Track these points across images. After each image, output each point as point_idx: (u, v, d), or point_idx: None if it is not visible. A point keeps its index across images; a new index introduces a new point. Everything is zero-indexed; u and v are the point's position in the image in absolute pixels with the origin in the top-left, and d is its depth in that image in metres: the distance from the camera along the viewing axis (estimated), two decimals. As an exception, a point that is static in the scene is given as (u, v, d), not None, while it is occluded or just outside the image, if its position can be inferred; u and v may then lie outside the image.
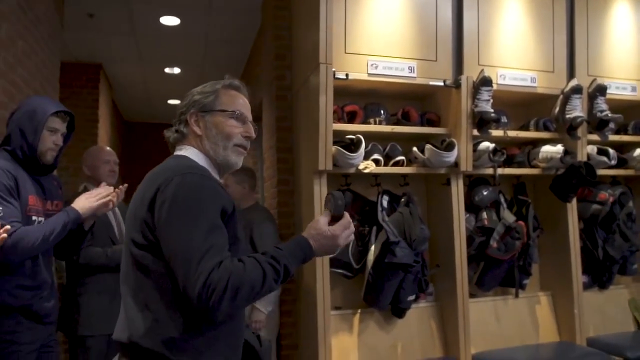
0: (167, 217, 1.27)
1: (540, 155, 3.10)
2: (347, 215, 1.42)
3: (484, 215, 3.05)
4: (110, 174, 2.81)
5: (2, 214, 1.85)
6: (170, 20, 4.58)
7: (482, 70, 2.94)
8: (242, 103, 1.53)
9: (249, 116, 1.55)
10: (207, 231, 1.24)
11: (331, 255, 2.69)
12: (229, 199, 1.36)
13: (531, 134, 3.18)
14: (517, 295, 3.16)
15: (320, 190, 2.74)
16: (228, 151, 1.48)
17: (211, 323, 1.30)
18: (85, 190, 2.74)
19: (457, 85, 2.92)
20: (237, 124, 1.50)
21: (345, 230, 1.41)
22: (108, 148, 2.98)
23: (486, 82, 2.90)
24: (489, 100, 2.92)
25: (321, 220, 1.40)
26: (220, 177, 1.52)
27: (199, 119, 1.49)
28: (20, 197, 1.95)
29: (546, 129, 3.20)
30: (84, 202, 2.10)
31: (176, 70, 6.00)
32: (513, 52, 3.12)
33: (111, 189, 2.21)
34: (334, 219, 1.41)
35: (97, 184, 2.73)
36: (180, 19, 4.56)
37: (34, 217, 2.00)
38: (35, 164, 2.06)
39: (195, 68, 5.86)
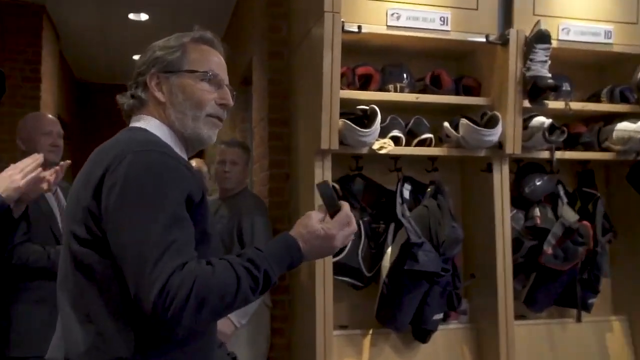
0: (116, 205, 1.28)
1: (615, 135, 3.13)
2: (346, 207, 1.45)
3: (537, 212, 3.09)
4: (53, 149, 2.84)
5: None
6: (134, -50, 4.66)
7: (537, 22, 2.97)
8: (216, 61, 1.55)
9: (225, 78, 1.57)
10: (167, 224, 1.25)
11: (334, 259, 2.81)
12: (198, 183, 1.38)
13: (603, 107, 3.22)
14: (579, 319, 3.22)
15: (322, 175, 2.81)
16: (199, 123, 1.50)
17: (170, 341, 1.31)
18: None
19: (503, 41, 2.96)
20: (210, 88, 1.51)
21: (344, 228, 1.43)
22: (50, 116, 3.04)
23: (543, 37, 2.93)
24: (545, 61, 2.95)
25: (313, 215, 1.43)
26: (189, 155, 1.55)
27: (161, 82, 1.50)
28: None
29: (624, 100, 3.22)
30: (7, 182, 2.11)
31: (143, 17, 6.06)
32: (581, -3, 3.15)
33: (41, 157, 2.23)
34: (332, 214, 1.43)
35: None
36: (148, -51, 4.64)
37: None
38: None
39: (168, 14, 5.91)
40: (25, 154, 2.84)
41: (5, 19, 5.52)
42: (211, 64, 1.53)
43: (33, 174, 2.16)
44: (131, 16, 6.05)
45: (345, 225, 1.43)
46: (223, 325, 3.05)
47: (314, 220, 1.42)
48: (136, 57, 7.31)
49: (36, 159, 2.19)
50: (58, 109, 6.68)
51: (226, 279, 1.26)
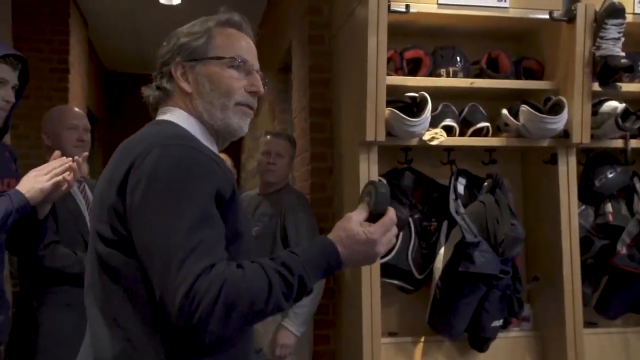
0: (141, 202, 1.30)
1: (701, 121, 3.06)
2: (391, 211, 1.43)
3: (609, 207, 3.05)
4: (79, 144, 2.89)
5: None
6: None
7: (609, -5, 2.92)
8: (244, 46, 1.56)
9: (255, 64, 1.57)
10: (195, 221, 1.26)
11: (381, 261, 2.81)
12: (228, 179, 1.39)
13: (686, 90, 3.14)
14: (659, 327, 3.17)
15: (368, 169, 2.82)
16: (228, 112, 1.51)
17: (202, 347, 1.32)
18: None
19: (570, 18, 2.91)
20: (239, 74, 1.52)
21: (387, 233, 1.42)
22: (76, 109, 3.11)
23: (616, 11, 2.88)
24: (618, 38, 2.90)
25: (354, 218, 1.41)
26: (220, 148, 1.57)
27: (186, 71, 1.51)
28: None
29: None
30: (32, 183, 2.16)
31: (175, 1, 6.17)
32: (660, -35, 3.07)
33: (69, 161, 2.28)
34: (373, 217, 1.42)
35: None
36: None
37: None
38: None
39: (201, -3, 6.01)
40: (50, 150, 2.91)
41: (31, 6, 5.66)
42: (239, 49, 1.54)
43: (59, 178, 2.21)
44: (162, 1, 6.15)
45: (388, 229, 1.42)
46: (284, 337, 3.13)
47: (355, 223, 1.40)
48: (168, 44, 7.45)
49: (64, 162, 2.25)
50: (87, 101, 6.84)
51: (257, 284, 1.26)
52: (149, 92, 1.57)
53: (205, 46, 1.51)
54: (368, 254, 1.40)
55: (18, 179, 2.36)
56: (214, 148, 1.53)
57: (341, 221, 1.42)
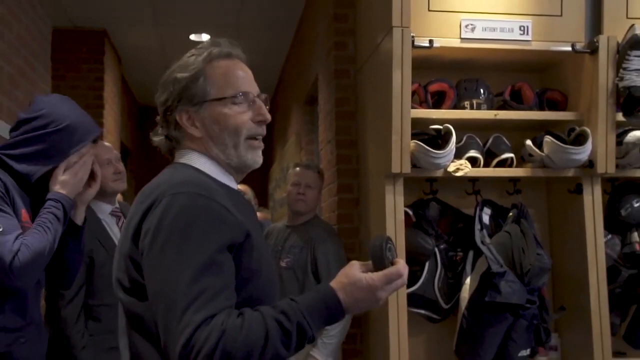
0: (149, 252, 1.32)
1: None
2: (400, 263, 1.41)
3: (635, 237, 3.00)
4: (117, 176, 2.91)
5: (1, 227, 2.01)
6: (195, -30, 4.82)
7: (631, 27, 2.89)
8: (241, 76, 1.54)
9: (254, 90, 1.55)
10: (198, 271, 1.27)
11: (408, 290, 2.78)
12: (240, 223, 1.38)
13: None
14: (690, 357, 3.09)
15: (394, 200, 2.81)
16: (240, 149, 1.51)
17: None
18: (91, 211, 2.86)
19: (592, 50, 2.90)
20: (243, 108, 1.51)
21: (391, 282, 1.38)
22: (106, 143, 3.13)
23: (638, 43, 2.85)
24: (641, 69, 2.89)
25: (356, 264, 1.40)
26: (237, 180, 1.58)
27: (191, 116, 1.50)
28: (15, 208, 2.12)
29: None
30: (71, 180, 2.22)
31: (204, 37, 6.25)
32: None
33: (88, 157, 2.30)
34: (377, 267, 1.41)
35: (100, 194, 2.91)
36: (208, -32, 4.80)
37: None
38: (26, 186, 2.23)
39: (229, 34, 6.02)
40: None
41: (68, 45, 5.80)
42: (237, 83, 1.52)
43: (86, 168, 2.29)
44: (192, 37, 6.26)
45: (392, 280, 1.39)
46: None
47: (356, 269, 1.39)
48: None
49: (81, 156, 2.28)
50: (121, 135, 6.95)
51: (255, 335, 1.26)
52: (158, 141, 1.58)
53: (204, 88, 1.49)
54: (369, 300, 1.37)
55: None
56: (232, 183, 1.55)
57: (345, 267, 1.41)
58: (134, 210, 1.43)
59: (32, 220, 2.23)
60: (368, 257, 1.43)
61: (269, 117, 1.55)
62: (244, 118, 1.50)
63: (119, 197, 2.95)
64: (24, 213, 2.17)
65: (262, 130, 1.55)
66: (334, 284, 1.36)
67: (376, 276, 1.36)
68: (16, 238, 2.02)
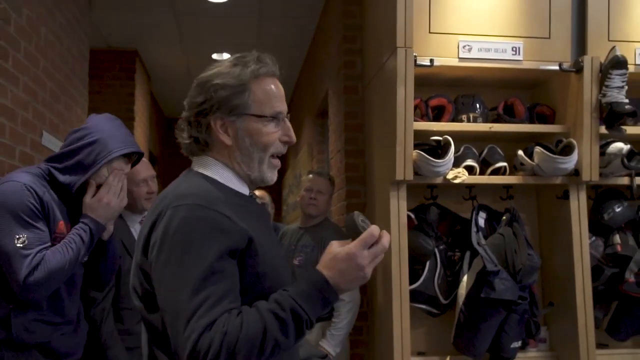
0: (155, 264, 1.30)
1: (700, 160, 3.00)
2: (371, 229, 1.32)
3: (617, 239, 2.99)
4: (149, 196, 2.84)
5: (26, 241, 1.98)
6: (217, -4, 4.84)
7: (613, 48, 2.89)
8: (279, 95, 1.49)
9: (285, 107, 1.51)
10: (200, 280, 1.24)
11: (410, 287, 2.78)
12: (241, 229, 1.33)
13: (686, 131, 3.08)
14: (667, 348, 3.07)
15: (398, 205, 2.81)
16: (264, 166, 1.47)
17: None
18: (119, 218, 2.84)
19: (578, 69, 2.89)
20: (276, 128, 1.47)
21: (367, 247, 1.30)
22: (144, 160, 3.08)
23: (619, 63, 2.85)
24: (622, 87, 2.87)
25: (334, 243, 1.34)
26: (250, 190, 1.54)
27: (226, 124, 1.44)
28: (50, 220, 2.10)
29: None
30: (97, 206, 2.18)
31: (225, 56, 6.29)
32: (659, 21, 3.04)
33: (120, 172, 2.25)
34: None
35: (131, 209, 2.89)
36: (230, -6, 4.81)
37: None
38: (69, 193, 2.18)
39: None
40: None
41: (104, 63, 5.85)
42: (275, 101, 1.47)
43: (123, 193, 2.26)
44: (214, 56, 6.29)
45: (367, 244, 1.30)
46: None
47: (334, 245, 1.33)
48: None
49: (121, 178, 2.25)
50: (149, 144, 6.99)
51: (253, 330, 1.23)
52: (183, 139, 1.50)
53: (246, 102, 1.43)
54: (354, 270, 1.29)
55: None
56: (244, 190, 1.51)
57: (326, 248, 1.36)
58: (146, 220, 1.40)
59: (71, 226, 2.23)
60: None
61: (294, 139, 1.52)
62: (275, 137, 1.47)
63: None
64: (62, 224, 2.15)
65: (284, 149, 1.52)
66: (318, 265, 1.32)
67: (352, 244, 1.30)
68: (38, 252, 2.00)
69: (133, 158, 2.34)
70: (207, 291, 1.24)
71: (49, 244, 2.07)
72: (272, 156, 1.49)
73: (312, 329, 1.31)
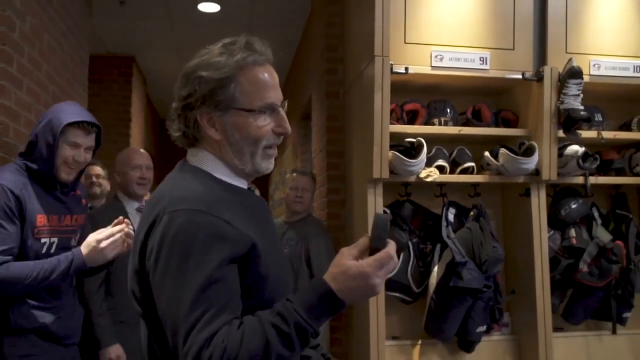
0: (154, 274, 1.14)
1: (645, 161, 3.03)
2: (391, 245, 1.14)
3: (572, 232, 3.01)
4: (141, 181, 2.83)
5: None
6: (209, 7, 4.80)
7: (570, 60, 2.91)
8: (270, 84, 1.27)
9: (279, 95, 1.30)
10: (199, 291, 1.08)
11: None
12: (242, 235, 1.16)
13: (633, 135, 3.11)
14: (614, 331, 3.09)
15: (375, 201, 2.80)
16: (257, 158, 1.28)
17: None
18: (116, 199, 2.90)
19: (539, 78, 2.91)
20: (267, 119, 1.26)
21: (383, 267, 1.11)
22: (142, 150, 3.06)
23: (575, 73, 2.87)
24: (578, 95, 2.89)
25: (345, 252, 1.14)
26: (249, 181, 1.37)
27: (213, 118, 1.25)
28: (26, 218, 2.00)
29: (654, 128, 3.12)
30: (92, 248, 2.06)
31: (216, 62, 6.23)
32: (611, 35, 3.06)
33: (127, 224, 2.14)
34: (374, 250, 1.14)
35: (126, 193, 2.88)
36: (221, 5, 4.77)
37: (43, 239, 2.06)
38: (52, 182, 2.09)
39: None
40: (120, 186, 2.91)
41: (103, 68, 5.78)
42: (266, 92, 1.26)
43: (119, 248, 2.11)
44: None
45: (384, 264, 1.12)
46: None
47: (346, 257, 1.13)
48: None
49: (122, 228, 2.13)
50: (145, 144, 6.92)
51: (254, 345, 1.07)
52: (174, 133, 1.31)
53: (232, 95, 1.23)
54: (364, 287, 1.11)
55: (85, 214, 2.32)
56: (241, 184, 1.33)
57: (336, 257, 1.16)
58: (141, 221, 1.23)
59: (63, 216, 2.16)
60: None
61: (289, 130, 1.31)
62: (267, 130, 1.26)
63: (147, 196, 2.91)
64: (41, 217, 2.06)
65: (279, 140, 1.32)
66: (326, 275, 1.13)
67: (366, 262, 1.11)
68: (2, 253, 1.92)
69: (92, 131, 2.17)
70: (206, 303, 1.08)
71: (12, 245, 1.97)
72: (267, 147, 1.29)
73: (318, 337, 1.15)
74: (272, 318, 1.09)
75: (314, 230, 3.26)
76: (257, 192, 1.48)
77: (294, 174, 3.45)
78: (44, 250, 2.08)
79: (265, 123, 1.26)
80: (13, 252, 1.98)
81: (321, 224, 3.43)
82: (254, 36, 1.29)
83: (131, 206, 2.85)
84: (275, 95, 1.28)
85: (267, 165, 1.32)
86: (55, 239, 2.12)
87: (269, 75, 1.28)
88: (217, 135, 1.26)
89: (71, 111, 2.13)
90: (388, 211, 1.07)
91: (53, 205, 2.13)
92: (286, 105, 1.32)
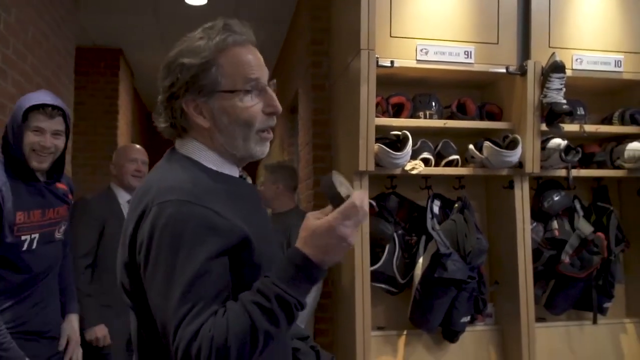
0: (144, 268, 1.10)
1: (626, 154, 3.03)
2: (355, 195, 1.09)
3: (555, 224, 3.02)
4: (136, 174, 2.92)
5: None
6: (196, 0, 4.74)
7: (553, 54, 2.91)
8: (253, 63, 1.22)
9: (265, 74, 1.24)
10: (188, 284, 1.05)
11: (371, 268, 2.77)
12: (233, 226, 1.12)
13: (615, 129, 3.12)
14: (595, 321, 3.11)
15: (360, 193, 2.79)
16: (250, 142, 1.22)
17: None
18: (109, 190, 2.93)
19: (522, 72, 2.91)
20: (254, 99, 1.21)
21: (349, 217, 1.07)
22: (138, 146, 3.13)
23: (558, 67, 2.87)
24: (560, 89, 2.89)
25: (309, 215, 1.12)
26: (240, 167, 1.31)
27: (199, 105, 1.20)
28: (4, 217, 1.94)
29: (634, 122, 3.12)
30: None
31: (204, 55, 6.18)
32: (593, 31, 3.07)
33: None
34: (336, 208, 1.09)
35: (121, 184, 2.91)
36: (207, -1, 4.73)
37: (24, 237, 2.01)
38: (30, 174, 2.03)
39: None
40: (115, 178, 2.96)
41: (90, 61, 5.70)
42: (249, 71, 1.21)
43: None
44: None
45: (348, 214, 1.07)
46: None
47: (310, 219, 1.11)
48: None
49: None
50: (132, 136, 6.85)
51: (240, 327, 1.04)
52: (161, 126, 1.26)
53: (215, 79, 1.19)
54: (335, 240, 1.07)
55: (69, 205, 2.27)
56: (234, 172, 1.28)
57: (302, 223, 1.13)
58: (130, 213, 1.19)
59: (46, 210, 2.12)
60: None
61: (279, 108, 1.24)
62: (255, 110, 1.21)
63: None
64: (20, 215, 2.00)
65: (273, 121, 1.25)
66: (297, 242, 1.10)
67: (330, 216, 1.08)
68: None
69: (57, 114, 2.07)
70: (195, 296, 1.05)
71: None
72: (261, 131, 1.24)
73: (305, 309, 1.10)
74: (253, 297, 1.06)
75: (297, 221, 3.21)
76: (249, 180, 1.39)
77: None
78: (24, 247, 2.03)
79: (252, 103, 1.21)
80: None
81: (304, 214, 3.40)
82: (233, 19, 1.25)
83: (123, 198, 2.97)
84: (260, 73, 1.23)
85: (262, 149, 1.26)
86: (37, 235, 2.06)
87: (250, 55, 1.23)
88: (206, 122, 1.21)
89: (34, 97, 2.06)
90: (336, 172, 0.99)
91: (34, 200, 2.06)
92: (274, 84, 1.27)
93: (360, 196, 1.10)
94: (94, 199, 3.00)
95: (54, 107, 2.05)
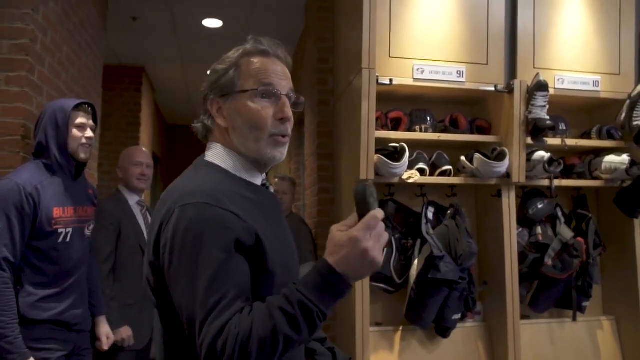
0: (168, 268, 1.08)
1: (603, 166, 3.02)
2: (376, 211, 1.03)
3: (539, 230, 2.99)
4: (141, 177, 2.81)
5: None
6: (212, 23, 4.75)
7: (537, 74, 2.90)
8: (271, 70, 1.19)
9: (284, 86, 1.20)
10: (211, 281, 1.02)
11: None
12: (248, 227, 1.08)
13: (593, 143, 3.10)
14: (574, 319, 3.08)
15: (361, 200, 2.77)
16: (261, 144, 1.17)
17: None
18: (118, 193, 2.86)
19: (509, 90, 2.89)
20: (267, 103, 1.17)
21: (371, 229, 1.00)
22: (144, 149, 3.03)
23: (542, 86, 2.86)
24: (544, 106, 2.87)
25: (333, 228, 1.05)
26: (262, 173, 1.25)
27: (221, 107, 1.20)
28: (42, 211, 1.97)
29: (610, 137, 3.12)
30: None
31: (219, 72, 6.18)
32: (573, 53, 3.05)
33: None
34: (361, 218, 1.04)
35: (128, 187, 2.85)
36: (223, 22, 4.73)
37: (60, 230, 2.04)
38: (71, 165, 2.12)
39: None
40: (122, 181, 2.89)
41: (116, 77, 5.71)
42: (264, 76, 1.18)
43: None
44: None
45: (370, 227, 1.01)
46: None
47: (334, 231, 1.04)
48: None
49: None
50: (153, 147, 6.85)
51: (263, 330, 0.99)
52: (197, 128, 1.27)
53: (233, 80, 1.18)
54: (358, 254, 1.00)
55: (94, 207, 2.30)
56: (255, 178, 1.22)
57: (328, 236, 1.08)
58: (156, 212, 1.16)
59: (79, 207, 2.14)
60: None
61: (290, 115, 1.19)
62: (266, 113, 1.17)
63: (145, 194, 2.91)
64: (57, 210, 2.03)
65: (286, 128, 1.19)
66: (325, 254, 1.04)
67: (353, 229, 1.01)
68: None
69: (90, 112, 2.21)
70: (219, 292, 1.01)
71: (9, 241, 1.91)
72: (274, 135, 1.18)
73: (326, 320, 1.03)
74: (278, 301, 1.02)
75: (295, 223, 3.32)
76: (272, 189, 1.34)
77: (275, 180, 3.54)
78: (60, 240, 2.06)
79: (262, 106, 1.17)
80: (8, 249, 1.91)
81: (301, 218, 3.51)
82: (264, 37, 1.25)
83: (132, 199, 2.86)
84: (276, 81, 1.19)
85: (274, 153, 1.19)
86: (71, 229, 2.10)
87: (271, 64, 1.20)
88: (224, 122, 1.20)
89: (67, 101, 2.19)
90: (369, 182, 0.93)
91: (70, 198, 2.11)
92: (295, 97, 1.21)
93: (380, 210, 1.05)
94: (105, 202, 2.90)
95: (89, 104, 2.20)
